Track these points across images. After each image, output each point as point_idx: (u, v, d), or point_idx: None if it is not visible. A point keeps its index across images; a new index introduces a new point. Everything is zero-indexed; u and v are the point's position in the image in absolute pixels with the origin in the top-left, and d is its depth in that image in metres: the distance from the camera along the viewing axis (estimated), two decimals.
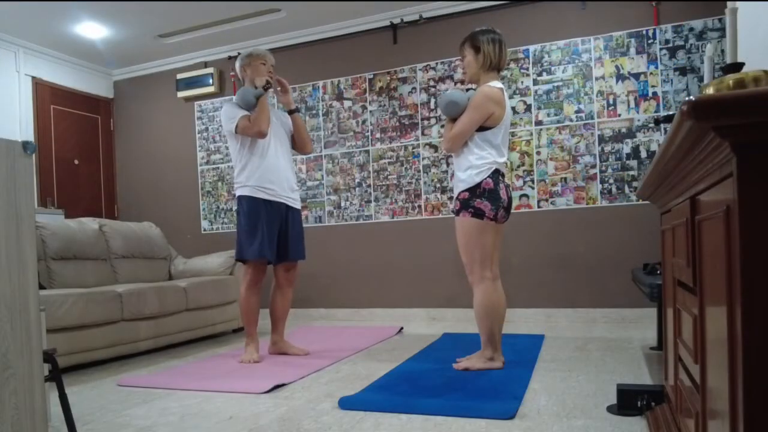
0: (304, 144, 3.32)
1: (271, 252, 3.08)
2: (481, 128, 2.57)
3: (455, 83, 4.57)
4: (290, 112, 3.27)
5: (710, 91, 1.10)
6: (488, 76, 2.64)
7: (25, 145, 1.39)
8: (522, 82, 4.36)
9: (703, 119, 0.74)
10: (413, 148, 4.71)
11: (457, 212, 2.62)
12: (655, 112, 4.01)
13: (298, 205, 3.25)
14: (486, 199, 2.54)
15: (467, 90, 2.71)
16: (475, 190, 2.56)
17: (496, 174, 2.58)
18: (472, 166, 2.56)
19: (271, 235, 3.07)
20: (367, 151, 4.86)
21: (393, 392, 2.29)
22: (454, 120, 2.62)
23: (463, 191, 2.59)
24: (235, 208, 5.22)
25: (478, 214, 2.54)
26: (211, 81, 5.33)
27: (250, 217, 3.06)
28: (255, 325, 3.16)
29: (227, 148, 5.35)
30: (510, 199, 2.66)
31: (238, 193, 3.13)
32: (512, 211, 3.88)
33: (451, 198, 4.51)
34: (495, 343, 2.62)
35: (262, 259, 3.08)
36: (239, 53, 5.20)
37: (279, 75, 3.26)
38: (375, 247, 4.82)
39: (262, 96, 3.06)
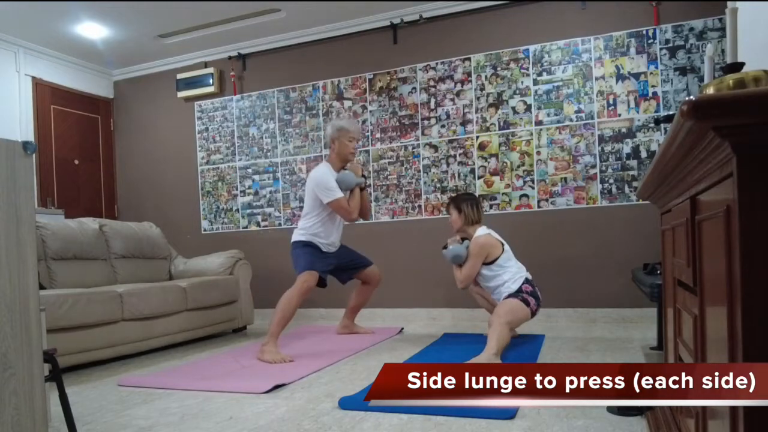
0: (365, 215, 3.65)
1: (326, 275, 3.46)
2: (487, 263, 3.18)
3: (454, 84, 4.57)
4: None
5: (710, 91, 1.10)
6: (473, 227, 3.32)
7: (25, 145, 1.39)
8: (522, 82, 4.36)
9: (703, 119, 0.74)
10: (413, 148, 4.71)
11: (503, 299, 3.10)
12: (655, 112, 4.01)
13: None
14: (531, 296, 3.09)
15: (463, 240, 3.32)
16: (518, 292, 3.09)
17: (528, 281, 3.15)
18: (506, 281, 3.14)
19: (328, 266, 3.47)
20: (367, 151, 4.86)
21: None
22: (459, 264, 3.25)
23: (507, 295, 3.10)
24: (282, 245, 5.30)
25: (525, 301, 3.05)
26: (211, 81, 5.33)
27: (314, 252, 3.39)
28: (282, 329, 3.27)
29: (228, 147, 5.36)
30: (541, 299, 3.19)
31: (304, 238, 3.40)
32: (513, 211, 4.04)
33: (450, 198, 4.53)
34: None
35: (325, 274, 3.41)
36: (237, 53, 5.24)
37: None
38: (375, 247, 4.80)
39: (361, 185, 3.45)
